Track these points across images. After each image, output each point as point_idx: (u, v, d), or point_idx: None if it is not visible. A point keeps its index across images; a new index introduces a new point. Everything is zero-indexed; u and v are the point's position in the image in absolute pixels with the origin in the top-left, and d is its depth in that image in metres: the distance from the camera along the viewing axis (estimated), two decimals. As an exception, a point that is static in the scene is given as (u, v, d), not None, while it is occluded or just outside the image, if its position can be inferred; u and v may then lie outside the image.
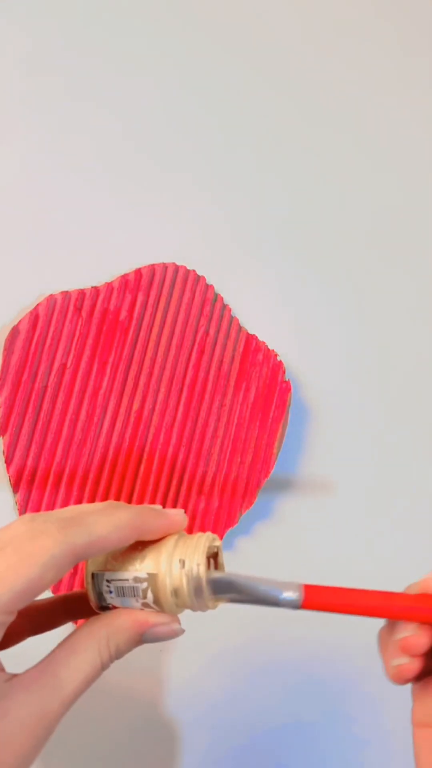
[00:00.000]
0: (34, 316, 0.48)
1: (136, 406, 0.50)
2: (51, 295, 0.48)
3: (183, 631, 0.31)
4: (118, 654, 0.30)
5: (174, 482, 0.50)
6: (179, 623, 0.31)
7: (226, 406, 0.51)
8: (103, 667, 0.29)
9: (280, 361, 0.53)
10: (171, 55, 0.55)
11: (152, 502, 0.50)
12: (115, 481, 0.49)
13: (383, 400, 0.56)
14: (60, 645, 0.29)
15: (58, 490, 0.48)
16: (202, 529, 0.50)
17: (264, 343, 0.53)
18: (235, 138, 0.56)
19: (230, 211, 0.55)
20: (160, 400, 0.50)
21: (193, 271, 0.52)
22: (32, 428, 0.48)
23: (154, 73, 0.55)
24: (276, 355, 0.53)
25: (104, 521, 0.29)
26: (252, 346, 0.52)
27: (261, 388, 0.52)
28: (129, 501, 0.49)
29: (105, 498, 0.49)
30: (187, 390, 0.51)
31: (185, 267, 0.52)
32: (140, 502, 0.50)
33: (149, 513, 0.31)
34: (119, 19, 0.54)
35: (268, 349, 0.53)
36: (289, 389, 0.52)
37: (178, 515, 0.32)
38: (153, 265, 0.51)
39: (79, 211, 0.52)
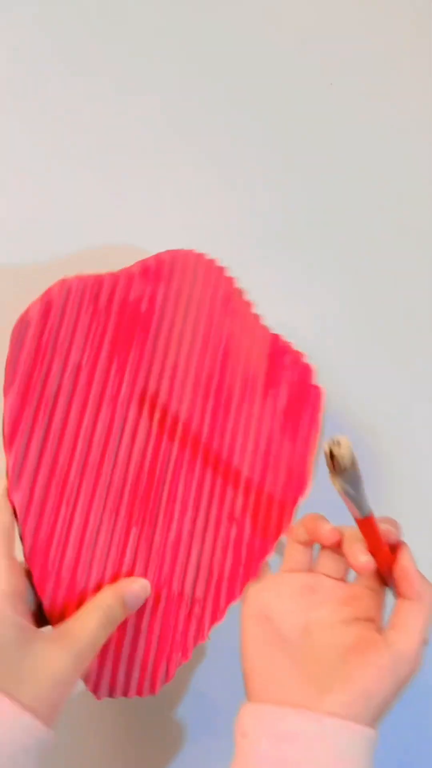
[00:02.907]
0: (45, 303, 0.39)
1: (157, 416, 0.42)
2: (64, 280, 0.40)
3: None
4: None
5: (203, 506, 0.42)
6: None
7: (254, 416, 0.45)
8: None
9: (309, 364, 0.47)
10: (176, 40, 0.54)
11: (179, 532, 0.41)
12: (138, 505, 0.40)
13: (396, 401, 0.53)
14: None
15: (72, 521, 0.39)
16: (234, 569, 0.42)
17: (290, 344, 0.47)
18: (254, 128, 0.55)
19: (249, 204, 0.53)
20: (184, 410, 0.43)
21: (215, 260, 0.45)
22: (41, 445, 0.38)
23: (171, 59, 0.54)
24: (305, 357, 0.47)
25: None
26: (278, 347, 0.46)
27: (290, 394, 0.46)
28: (153, 529, 0.41)
29: (127, 529, 0.40)
30: (214, 398, 0.44)
31: (205, 254, 0.45)
32: (166, 530, 0.41)
33: None
34: (118, 6, 0.52)
35: (296, 351, 0.47)
36: (322, 394, 0.46)
37: None
38: (173, 251, 0.44)
39: (83, 205, 0.51)
